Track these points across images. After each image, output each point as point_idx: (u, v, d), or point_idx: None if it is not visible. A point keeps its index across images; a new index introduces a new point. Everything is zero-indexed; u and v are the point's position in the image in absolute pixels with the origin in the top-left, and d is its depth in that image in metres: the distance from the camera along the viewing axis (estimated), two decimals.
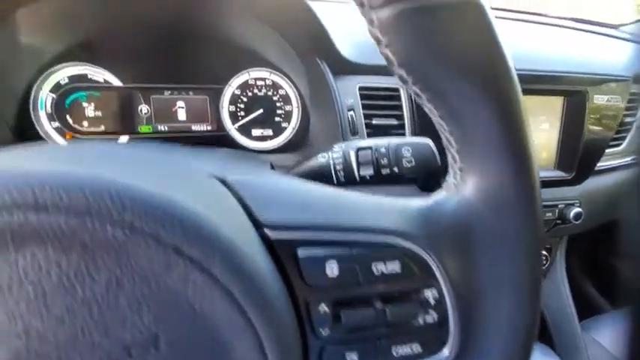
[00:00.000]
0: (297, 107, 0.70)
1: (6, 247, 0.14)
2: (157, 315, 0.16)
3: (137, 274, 0.15)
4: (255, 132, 0.70)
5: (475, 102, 0.19)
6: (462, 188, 0.22)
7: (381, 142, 0.36)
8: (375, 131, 0.57)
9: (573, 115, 0.68)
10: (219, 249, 0.16)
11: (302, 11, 0.49)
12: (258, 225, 0.20)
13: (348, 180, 0.37)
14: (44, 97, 0.59)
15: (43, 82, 0.59)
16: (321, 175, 0.37)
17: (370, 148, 0.36)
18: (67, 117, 0.61)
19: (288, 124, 0.70)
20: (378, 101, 0.57)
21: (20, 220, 0.14)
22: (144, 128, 0.65)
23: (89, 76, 0.61)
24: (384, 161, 0.35)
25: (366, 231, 0.21)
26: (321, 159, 0.37)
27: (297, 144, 0.70)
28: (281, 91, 0.69)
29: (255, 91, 0.68)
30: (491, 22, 0.18)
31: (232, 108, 0.68)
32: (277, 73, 0.68)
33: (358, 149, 0.36)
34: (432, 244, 0.22)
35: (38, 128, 0.59)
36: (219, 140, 0.68)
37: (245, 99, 0.68)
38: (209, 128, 0.67)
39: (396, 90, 0.58)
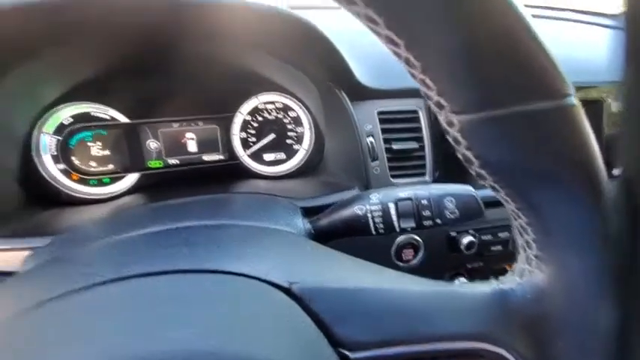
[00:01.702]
0: (310, 129, 0.68)
1: None
2: None
3: None
4: (268, 156, 0.68)
5: (564, 203, 0.18)
6: (536, 276, 0.21)
7: (422, 193, 0.34)
8: (395, 156, 0.55)
9: (591, 125, 0.67)
10: None
11: (318, 44, 0.46)
12: (335, 344, 0.19)
13: (387, 231, 0.36)
14: (47, 139, 0.56)
15: (45, 124, 0.56)
16: (358, 227, 0.36)
17: (410, 199, 0.34)
18: (73, 158, 0.58)
19: (301, 146, 0.69)
20: (397, 125, 0.55)
21: None
22: (154, 163, 0.62)
23: (93, 114, 0.58)
24: (426, 213, 0.34)
25: (445, 339, 0.20)
26: (357, 210, 0.36)
27: (312, 167, 0.68)
28: (292, 113, 0.67)
29: (266, 115, 0.66)
30: (586, 124, 0.17)
31: (243, 135, 0.66)
32: (287, 95, 0.66)
33: (397, 200, 0.35)
34: (508, 338, 0.21)
35: (43, 172, 0.57)
36: (231, 168, 0.66)
37: (256, 124, 0.66)
38: (221, 157, 0.65)
39: (415, 112, 0.56)
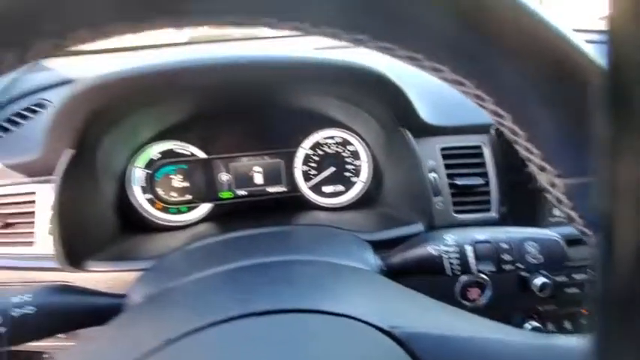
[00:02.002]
0: (367, 162, 0.70)
1: None
2: None
3: None
4: (327, 189, 0.71)
5: None
6: None
7: (500, 236, 0.34)
8: (459, 191, 0.55)
9: None
10: None
11: (386, 89, 0.49)
12: None
13: (464, 273, 0.36)
14: (138, 173, 0.65)
15: (137, 159, 0.64)
16: (432, 267, 0.36)
17: (489, 242, 0.34)
18: (158, 189, 0.66)
19: (359, 178, 0.71)
20: (460, 160, 0.55)
21: None
22: (225, 194, 0.68)
23: (176, 151, 0.66)
24: (507, 257, 0.34)
25: None
26: (431, 250, 0.36)
27: (370, 200, 0.70)
28: (350, 147, 0.70)
29: (326, 149, 0.70)
30: None
31: (304, 168, 0.69)
32: (346, 131, 0.69)
33: (475, 242, 0.35)
34: None
35: (133, 201, 0.64)
36: (293, 200, 0.70)
37: (316, 157, 0.70)
38: (284, 189, 0.69)
39: (479, 148, 0.56)
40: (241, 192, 0.68)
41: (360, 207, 0.69)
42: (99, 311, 0.34)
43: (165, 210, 0.66)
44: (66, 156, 0.46)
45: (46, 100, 0.64)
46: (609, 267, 0.09)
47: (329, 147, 0.70)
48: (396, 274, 0.39)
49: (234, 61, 0.44)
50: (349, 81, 0.49)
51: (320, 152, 0.70)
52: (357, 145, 0.70)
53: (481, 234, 0.35)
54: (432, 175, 0.54)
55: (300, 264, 0.33)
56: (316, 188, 0.70)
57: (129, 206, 0.64)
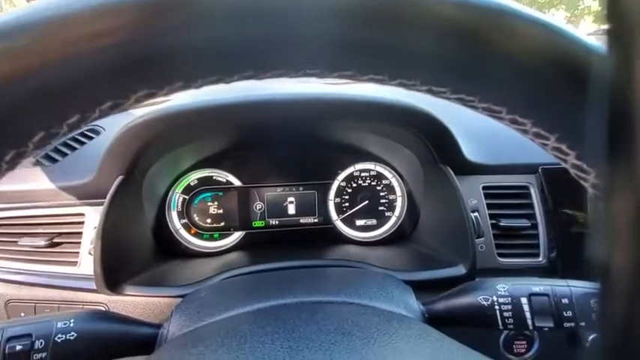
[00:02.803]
0: (402, 196, 0.68)
1: None
2: None
3: None
4: (359, 222, 0.69)
5: None
6: None
7: (561, 290, 0.31)
8: (503, 232, 0.52)
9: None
10: None
11: (430, 127, 0.49)
12: None
13: (518, 327, 0.33)
14: (177, 198, 0.67)
15: (176, 185, 0.67)
16: (481, 319, 0.34)
17: (547, 295, 0.31)
18: (194, 215, 0.67)
19: (392, 213, 0.69)
20: (505, 200, 0.53)
21: None
22: (257, 223, 0.68)
23: (214, 178, 0.67)
24: (568, 313, 0.30)
25: None
26: (481, 300, 0.34)
27: (403, 236, 0.68)
28: (385, 181, 0.69)
29: (360, 182, 0.69)
30: None
31: (338, 200, 0.69)
32: (382, 165, 0.68)
33: (531, 295, 0.32)
34: None
35: (170, 226, 0.66)
36: (324, 232, 0.69)
37: (350, 190, 0.69)
38: (316, 221, 0.69)
39: (526, 188, 0.53)
40: (274, 221, 0.68)
41: (392, 243, 0.67)
42: (136, 340, 0.34)
43: (199, 236, 0.67)
44: (117, 182, 0.49)
45: (100, 126, 0.69)
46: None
47: (363, 180, 0.69)
48: (439, 322, 0.36)
49: (276, 99, 0.45)
50: (390, 118, 0.49)
51: (354, 185, 0.69)
52: (392, 179, 0.69)
53: (537, 285, 0.32)
54: (474, 215, 0.52)
55: (347, 306, 0.31)
56: (349, 221, 0.69)
57: (166, 231, 0.66)
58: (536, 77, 0.14)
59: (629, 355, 0.08)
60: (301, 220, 0.69)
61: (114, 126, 0.52)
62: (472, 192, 0.53)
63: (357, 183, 0.69)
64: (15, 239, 0.57)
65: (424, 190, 0.62)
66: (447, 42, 0.13)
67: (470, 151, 0.53)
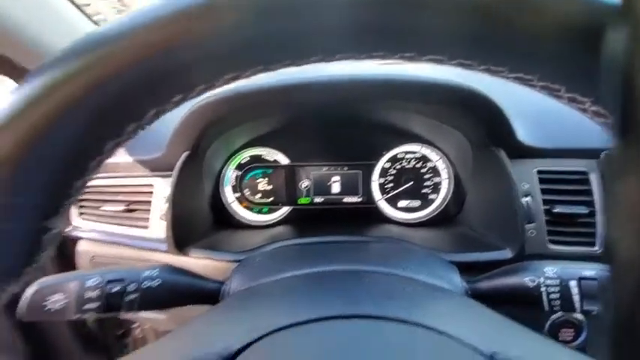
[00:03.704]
0: (448, 179, 0.68)
1: None
2: None
3: None
4: (402, 203, 0.70)
5: None
6: None
7: None
8: (556, 219, 0.50)
9: None
10: None
11: (482, 108, 0.47)
12: None
13: (564, 310, 0.32)
14: (230, 174, 0.72)
15: (230, 162, 0.72)
16: (526, 299, 0.34)
17: (597, 279, 0.31)
18: (245, 190, 0.73)
19: (437, 195, 0.69)
20: (560, 186, 0.51)
21: None
22: (303, 200, 0.72)
23: (264, 157, 0.72)
24: None
25: None
26: (528, 281, 0.34)
27: (447, 219, 0.67)
28: (430, 164, 0.69)
29: (404, 163, 0.69)
30: None
31: (381, 180, 0.70)
32: (428, 146, 0.68)
33: (581, 278, 0.32)
34: None
35: (224, 200, 0.72)
36: (367, 211, 0.71)
37: (394, 171, 0.70)
38: (359, 200, 0.71)
39: (584, 174, 0.50)
40: (318, 199, 0.72)
41: (435, 225, 0.67)
42: (203, 292, 0.40)
43: (249, 209, 0.73)
44: (182, 157, 0.55)
45: None
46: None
47: (408, 162, 0.69)
48: (482, 301, 0.37)
49: (327, 81, 0.47)
50: (442, 98, 0.48)
51: (398, 166, 0.70)
52: (438, 162, 0.68)
53: (588, 270, 0.32)
54: (526, 200, 0.51)
55: (391, 276, 0.33)
56: (392, 201, 0.70)
57: (220, 204, 0.72)
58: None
59: (635, 338, 0.08)
60: (345, 199, 0.71)
61: (179, 108, 0.57)
62: (525, 176, 0.51)
63: (401, 164, 0.70)
64: (98, 205, 0.67)
65: (473, 173, 0.61)
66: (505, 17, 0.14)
67: (525, 134, 0.51)
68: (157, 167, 0.60)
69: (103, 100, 0.15)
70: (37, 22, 0.57)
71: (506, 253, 0.48)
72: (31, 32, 0.56)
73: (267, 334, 0.23)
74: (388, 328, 0.23)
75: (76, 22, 0.65)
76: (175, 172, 0.54)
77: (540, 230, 0.50)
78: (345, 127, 0.68)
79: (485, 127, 0.51)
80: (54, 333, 0.85)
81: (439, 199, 0.68)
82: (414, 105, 0.54)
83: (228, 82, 0.17)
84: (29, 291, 0.32)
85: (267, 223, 0.72)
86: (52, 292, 0.32)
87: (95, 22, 0.68)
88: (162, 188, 0.61)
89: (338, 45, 0.16)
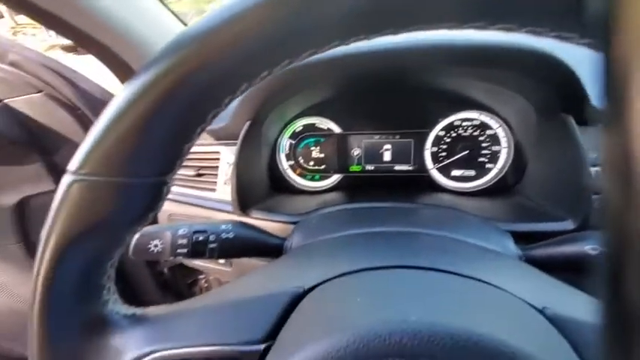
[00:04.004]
0: (507, 147, 0.65)
1: None
2: None
3: None
4: (456, 172, 0.69)
5: None
6: None
7: None
8: None
9: None
10: None
11: (550, 67, 0.44)
12: None
13: None
14: (285, 142, 0.76)
15: (285, 131, 0.76)
16: (587, 268, 0.34)
17: None
18: (299, 157, 0.76)
19: (494, 165, 0.66)
20: None
21: None
22: (354, 168, 0.74)
23: (317, 125, 0.74)
24: None
25: None
26: (589, 250, 0.33)
27: (504, 189, 0.65)
28: (489, 131, 0.66)
29: (460, 131, 0.67)
30: None
31: (434, 149, 0.69)
32: (487, 113, 0.65)
33: None
34: None
35: (280, 166, 0.77)
36: (418, 180, 0.71)
37: (448, 139, 0.68)
38: (410, 168, 0.71)
39: None
40: (369, 167, 0.73)
41: (490, 194, 0.65)
42: (268, 246, 0.45)
43: (302, 176, 0.77)
44: (246, 125, 0.59)
45: None
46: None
47: (464, 130, 0.67)
48: (537, 267, 0.37)
49: (391, 49, 0.47)
50: (509, 63, 0.46)
51: (453, 134, 0.68)
52: (498, 129, 0.65)
53: None
54: (595, 170, 0.47)
55: (444, 238, 0.35)
56: (444, 170, 0.69)
57: (276, 170, 0.77)
58: None
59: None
60: (396, 167, 0.72)
61: None
62: (596, 145, 0.47)
63: (457, 132, 0.68)
64: None
65: (536, 142, 0.57)
66: None
67: (597, 100, 0.46)
68: (222, 136, 0.66)
69: (206, 80, 0.19)
70: (139, 22, 0.65)
71: (568, 224, 0.47)
72: (134, 31, 0.64)
73: (331, 279, 0.27)
74: (441, 278, 0.25)
75: (168, 22, 0.72)
76: (240, 139, 0.59)
77: None
78: (399, 95, 0.67)
79: (555, 93, 0.47)
80: (139, 278, 1.02)
81: (496, 169, 0.66)
82: (475, 70, 0.51)
83: (308, 57, 0.19)
84: (135, 236, 0.40)
85: (320, 189, 0.76)
86: (153, 238, 0.39)
87: (182, 22, 0.76)
88: (227, 155, 0.67)
89: (410, 17, 0.17)
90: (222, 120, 0.63)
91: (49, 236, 0.21)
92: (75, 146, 0.20)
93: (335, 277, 0.26)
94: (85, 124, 0.78)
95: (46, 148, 0.78)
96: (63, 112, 0.75)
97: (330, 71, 0.53)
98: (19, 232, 0.83)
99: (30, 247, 0.86)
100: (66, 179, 0.21)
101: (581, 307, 0.23)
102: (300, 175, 0.77)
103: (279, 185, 0.77)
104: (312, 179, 0.77)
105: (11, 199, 0.80)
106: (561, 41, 0.18)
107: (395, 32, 0.19)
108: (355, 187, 0.74)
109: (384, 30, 0.18)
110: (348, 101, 0.70)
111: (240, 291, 0.29)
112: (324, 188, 0.76)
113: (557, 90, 0.47)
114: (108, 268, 0.23)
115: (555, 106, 0.49)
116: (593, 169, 0.48)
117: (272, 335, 0.23)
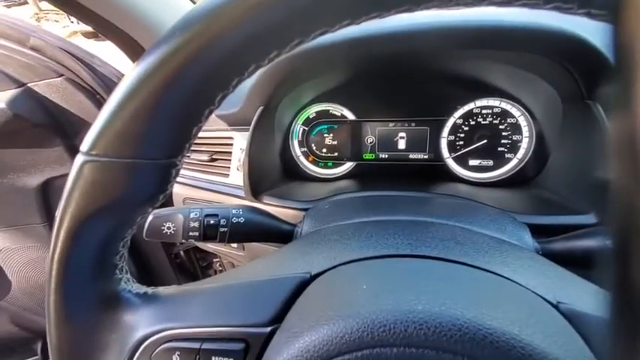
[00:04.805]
0: (529, 137, 0.62)
1: None
2: None
3: None
4: (473, 162, 0.67)
5: None
6: None
7: None
8: None
9: None
10: None
11: (579, 51, 0.41)
12: None
13: None
14: (298, 129, 0.76)
15: (298, 117, 0.75)
16: (601, 262, 0.32)
17: None
18: (312, 144, 0.76)
19: (514, 155, 0.64)
20: None
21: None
22: (367, 156, 0.73)
23: (330, 112, 0.73)
24: None
25: None
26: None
27: (524, 179, 0.63)
28: (510, 120, 0.63)
29: (479, 119, 0.65)
30: None
31: (451, 137, 0.67)
32: (509, 101, 0.62)
33: None
34: None
35: (292, 152, 0.77)
36: (434, 169, 0.69)
37: (466, 128, 0.66)
38: (425, 157, 0.70)
39: None
40: (383, 155, 0.72)
41: (509, 185, 0.63)
42: (279, 231, 0.45)
43: (315, 163, 0.77)
44: (258, 111, 0.59)
45: None
46: None
47: (484, 118, 0.65)
48: (554, 261, 0.36)
49: (409, 30, 0.45)
50: (535, 46, 0.43)
51: (472, 123, 0.65)
52: (520, 117, 0.62)
53: None
54: None
55: (462, 230, 0.34)
56: (461, 160, 0.67)
57: (289, 157, 0.77)
58: None
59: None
60: (411, 156, 0.70)
61: None
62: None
63: (475, 120, 0.65)
64: (188, 154, 0.76)
65: (560, 131, 0.54)
66: None
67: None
68: (235, 122, 0.66)
69: (214, 59, 0.18)
70: (156, 8, 0.66)
71: (590, 218, 0.45)
72: (152, 17, 0.65)
73: (338, 265, 0.27)
74: (451, 269, 0.25)
75: (186, 7, 0.72)
76: (253, 125, 0.59)
77: None
78: (415, 81, 0.65)
79: (582, 77, 0.44)
80: (156, 261, 1.06)
81: (516, 159, 0.64)
82: (496, 53, 0.48)
83: (317, 36, 0.18)
84: (149, 218, 0.41)
85: (333, 176, 0.76)
86: (166, 221, 0.40)
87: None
88: (239, 141, 0.67)
89: None
90: (236, 105, 0.63)
91: (63, 215, 0.22)
92: None
93: (342, 264, 0.26)
94: None
95: (66, 132, 0.80)
96: (82, 96, 0.77)
97: (344, 55, 0.52)
98: (43, 212, 0.87)
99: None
100: (78, 160, 0.21)
101: (597, 303, 0.22)
102: (312, 162, 0.77)
103: (292, 172, 0.77)
104: (325, 166, 0.77)
105: (36, 180, 0.83)
106: (590, 19, 0.17)
107: (410, 9, 0.18)
108: (368, 175, 0.73)
109: (398, 7, 0.17)
110: (362, 87, 0.69)
111: (248, 275, 0.29)
112: (336, 176, 0.76)
113: (584, 75, 0.44)
114: (120, 247, 0.24)
115: (582, 93, 0.46)
116: None
117: (278, 319, 0.24)
